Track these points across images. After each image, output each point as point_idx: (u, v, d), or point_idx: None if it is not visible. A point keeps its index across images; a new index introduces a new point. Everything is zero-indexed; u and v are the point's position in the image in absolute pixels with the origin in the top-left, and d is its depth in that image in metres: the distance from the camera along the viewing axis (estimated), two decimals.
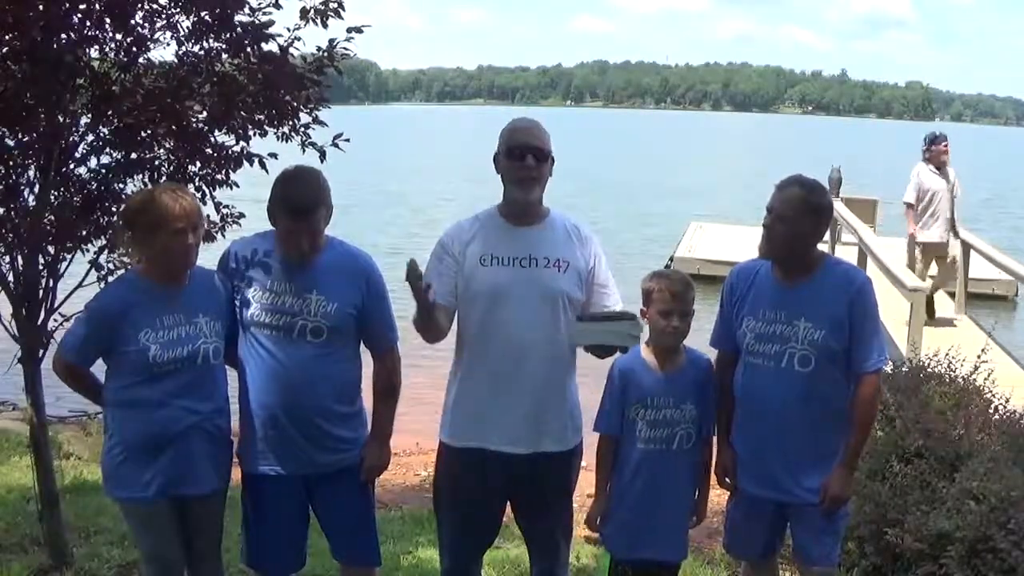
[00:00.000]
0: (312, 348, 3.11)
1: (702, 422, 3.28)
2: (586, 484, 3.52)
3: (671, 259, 15.80)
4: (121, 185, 3.96)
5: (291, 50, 3.88)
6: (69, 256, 3.97)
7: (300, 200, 3.03)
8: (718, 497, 3.58)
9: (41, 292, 3.87)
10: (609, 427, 3.28)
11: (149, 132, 3.87)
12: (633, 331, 3.01)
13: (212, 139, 3.98)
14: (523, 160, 3.10)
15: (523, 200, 3.15)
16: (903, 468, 4.24)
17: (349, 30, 3.90)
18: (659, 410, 3.22)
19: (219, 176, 4.05)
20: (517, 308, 3.09)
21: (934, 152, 9.35)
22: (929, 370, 5.34)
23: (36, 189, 3.81)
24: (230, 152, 4.02)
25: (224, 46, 3.84)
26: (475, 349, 3.17)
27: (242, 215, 4.25)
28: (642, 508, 3.26)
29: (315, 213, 3.04)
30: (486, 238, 3.17)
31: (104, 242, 4.00)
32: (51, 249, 3.86)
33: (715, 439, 3.42)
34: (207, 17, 3.75)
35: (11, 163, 3.75)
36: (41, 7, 3.50)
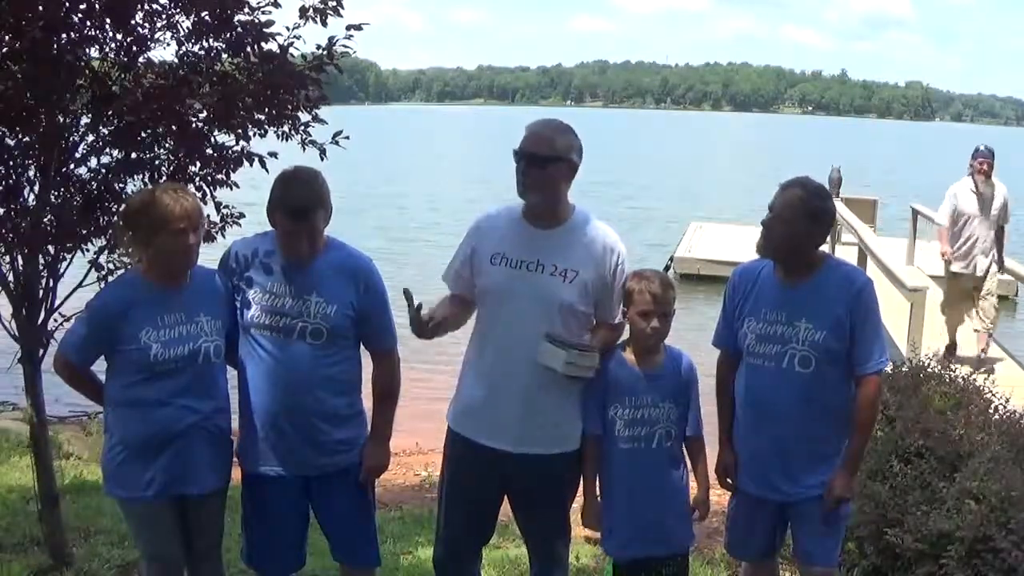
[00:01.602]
0: (311, 350, 3.10)
1: (682, 420, 3.29)
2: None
3: (671, 259, 15.83)
4: (121, 185, 3.96)
5: (291, 49, 3.88)
6: (69, 256, 3.96)
7: (298, 201, 3.02)
8: (718, 497, 3.58)
9: (41, 292, 3.87)
10: (590, 427, 3.28)
11: (149, 132, 3.87)
12: (576, 360, 2.97)
13: (212, 139, 3.97)
14: (518, 164, 3.09)
15: (528, 204, 3.15)
16: (903, 468, 4.24)
17: (348, 27, 3.90)
18: (637, 409, 3.23)
19: (219, 176, 4.05)
20: (515, 312, 3.10)
21: (971, 167, 8.28)
22: (929, 370, 5.34)
23: (36, 189, 3.81)
24: (230, 152, 4.01)
25: (224, 46, 3.84)
26: (476, 344, 3.23)
27: (242, 215, 4.25)
28: (628, 507, 3.27)
29: (313, 214, 3.04)
30: (503, 235, 3.18)
31: (104, 242, 3.99)
32: (51, 249, 3.86)
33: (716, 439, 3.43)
34: (207, 17, 3.75)
35: (11, 163, 3.75)
36: (41, 7, 3.49)
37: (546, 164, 3.06)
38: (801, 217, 3.15)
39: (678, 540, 3.35)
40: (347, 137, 4.06)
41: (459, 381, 3.30)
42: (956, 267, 8.27)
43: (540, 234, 3.15)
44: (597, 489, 3.35)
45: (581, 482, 3.34)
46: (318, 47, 3.97)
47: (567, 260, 3.12)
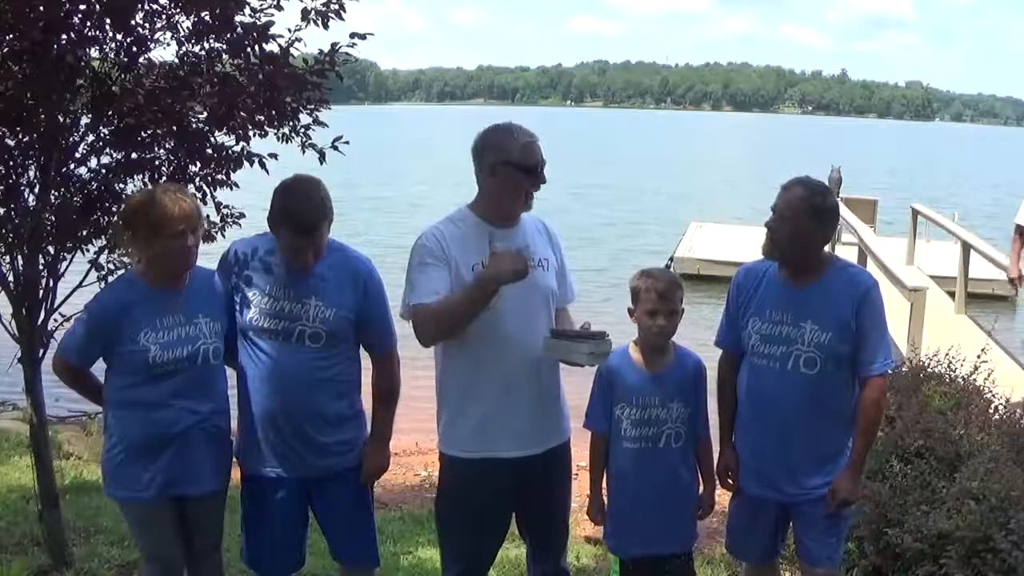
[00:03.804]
0: (311, 352, 3.10)
1: (692, 421, 3.28)
2: (583, 484, 3.53)
3: (671, 259, 15.82)
4: (121, 185, 3.96)
5: (292, 51, 3.88)
6: (69, 256, 3.97)
7: (304, 218, 3.00)
8: (720, 497, 3.58)
9: (41, 292, 3.87)
10: (596, 424, 3.29)
11: (149, 132, 3.87)
12: (596, 350, 2.98)
13: (212, 139, 3.97)
14: (534, 176, 3.06)
15: (519, 210, 3.14)
16: (903, 468, 4.24)
17: (352, 35, 3.90)
18: (644, 409, 3.22)
19: (219, 176, 4.05)
20: (516, 313, 3.06)
21: None
22: (929, 370, 5.35)
23: (36, 189, 3.81)
24: (230, 152, 4.01)
25: (225, 46, 3.84)
26: (477, 358, 3.07)
27: (242, 215, 4.25)
28: (636, 506, 3.27)
29: (319, 229, 3.03)
30: (469, 244, 3.07)
31: (104, 242, 4.00)
32: (51, 249, 3.86)
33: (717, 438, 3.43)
34: (207, 17, 3.75)
35: (11, 163, 3.75)
36: (41, 7, 3.49)
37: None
38: (805, 216, 3.14)
39: (684, 538, 3.36)
40: (347, 142, 4.06)
41: (458, 404, 3.14)
42: None
43: (505, 234, 3.12)
44: (601, 487, 3.36)
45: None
46: (320, 52, 3.97)
47: (537, 251, 3.15)
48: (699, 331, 5.00)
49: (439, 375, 3.20)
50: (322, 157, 4.06)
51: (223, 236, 4.13)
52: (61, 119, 3.74)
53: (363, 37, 3.92)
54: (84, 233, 3.91)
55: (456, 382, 3.15)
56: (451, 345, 3.10)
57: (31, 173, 3.81)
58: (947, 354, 5.48)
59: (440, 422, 3.20)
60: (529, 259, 2.97)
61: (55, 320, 3.90)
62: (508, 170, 3.05)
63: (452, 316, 2.96)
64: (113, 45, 3.83)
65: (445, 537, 3.31)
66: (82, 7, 3.62)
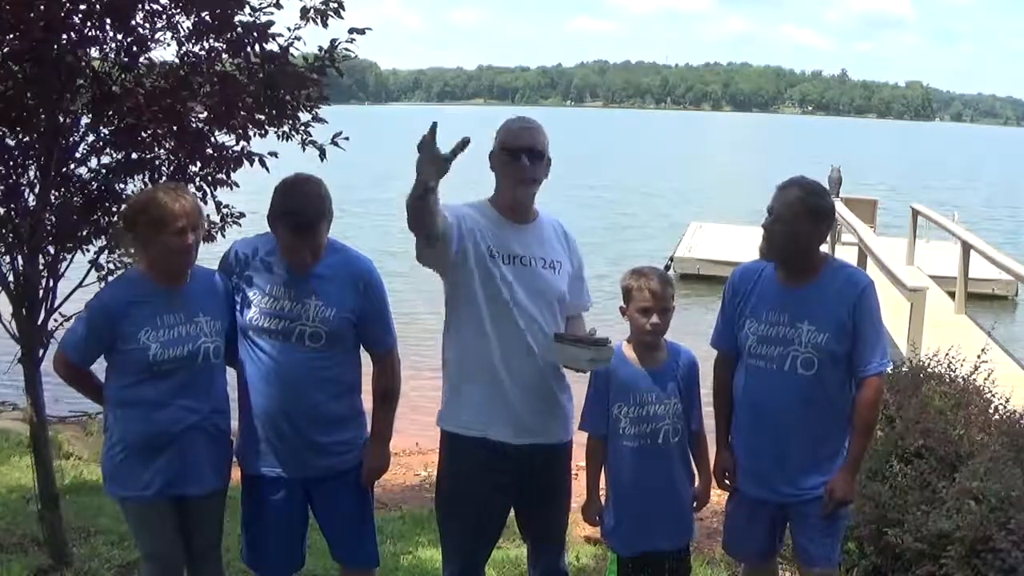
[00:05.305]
0: (311, 352, 3.10)
1: (688, 416, 3.29)
2: (583, 485, 3.52)
3: (671, 259, 15.83)
4: (122, 185, 3.96)
5: (291, 49, 3.88)
6: (69, 256, 3.97)
7: (303, 216, 3.00)
8: (718, 497, 3.58)
9: (41, 292, 3.87)
10: (594, 427, 3.30)
11: (150, 132, 3.87)
12: (598, 356, 3.01)
13: (213, 139, 3.98)
14: (518, 160, 3.08)
15: (520, 199, 3.14)
16: (903, 468, 4.24)
17: (351, 31, 3.91)
18: (642, 406, 3.24)
19: (220, 176, 4.05)
20: (519, 306, 3.08)
21: None
22: (929, 370, 5.35)
23: (36, 189, 3.81)
24: (230, 152, 4.02)
25: (225, 46, 3.84)
26: (478, 344, 3.11)
27: (242, 215, 4.25)
28: (637, 504, 3.27)
29: (317, 228, 3.03)
30: (487, 230, 3.11)
31: (104, 242, 4.00)
32: (51, 249, 3.86)
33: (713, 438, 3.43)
34: (207, 17, 3.76)
35: (11, 163, 3.75)
36: (42, 7, 3.50)
37: (543, 158, 3.13)
38: (801, 216, 3.14)
39: (682, 534, 3.37)
40: (347, 138, 4.06)
41: (457, 384, 3.18)
42: None
43: (521, 230, 3.15)
44: (596, 487, 3.36)
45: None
46: (320, 49, 3.97)
47: (549, 253, 3.17)
48: (698, 331, 5.00)
49: (443, 361, 3.25)
50: (322, 154, 4.06)
51: (223, 236, 4.13)
52: (61, 119, 3.75)
53: (361, 32, 3.93)
54: (84, 233, 3.91)
55: (457, 363, 3.19)
56: (455, 327, 3.16)
57: (31, 173, 3.81)
58: (947, 354, 5.48)
59: (442, 401, 3.24)
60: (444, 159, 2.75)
61: (55, 320, 3.90)
62: (498, 154, 3.11)
63: (407, 208, 2.85)
64: (113, 45, 3.84)
65: (443, 531, 3.33)
66: (82, 7, 3.62)
